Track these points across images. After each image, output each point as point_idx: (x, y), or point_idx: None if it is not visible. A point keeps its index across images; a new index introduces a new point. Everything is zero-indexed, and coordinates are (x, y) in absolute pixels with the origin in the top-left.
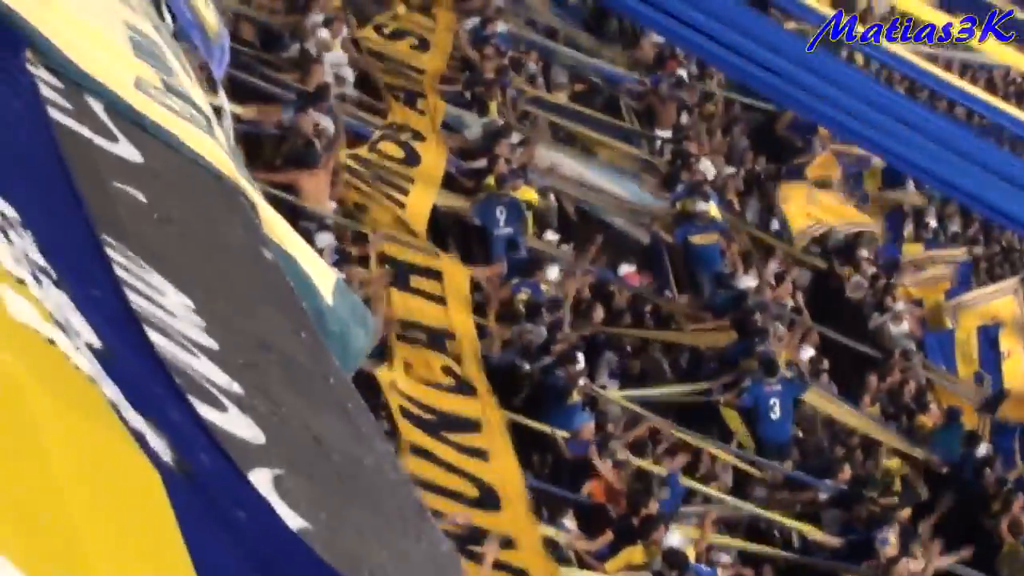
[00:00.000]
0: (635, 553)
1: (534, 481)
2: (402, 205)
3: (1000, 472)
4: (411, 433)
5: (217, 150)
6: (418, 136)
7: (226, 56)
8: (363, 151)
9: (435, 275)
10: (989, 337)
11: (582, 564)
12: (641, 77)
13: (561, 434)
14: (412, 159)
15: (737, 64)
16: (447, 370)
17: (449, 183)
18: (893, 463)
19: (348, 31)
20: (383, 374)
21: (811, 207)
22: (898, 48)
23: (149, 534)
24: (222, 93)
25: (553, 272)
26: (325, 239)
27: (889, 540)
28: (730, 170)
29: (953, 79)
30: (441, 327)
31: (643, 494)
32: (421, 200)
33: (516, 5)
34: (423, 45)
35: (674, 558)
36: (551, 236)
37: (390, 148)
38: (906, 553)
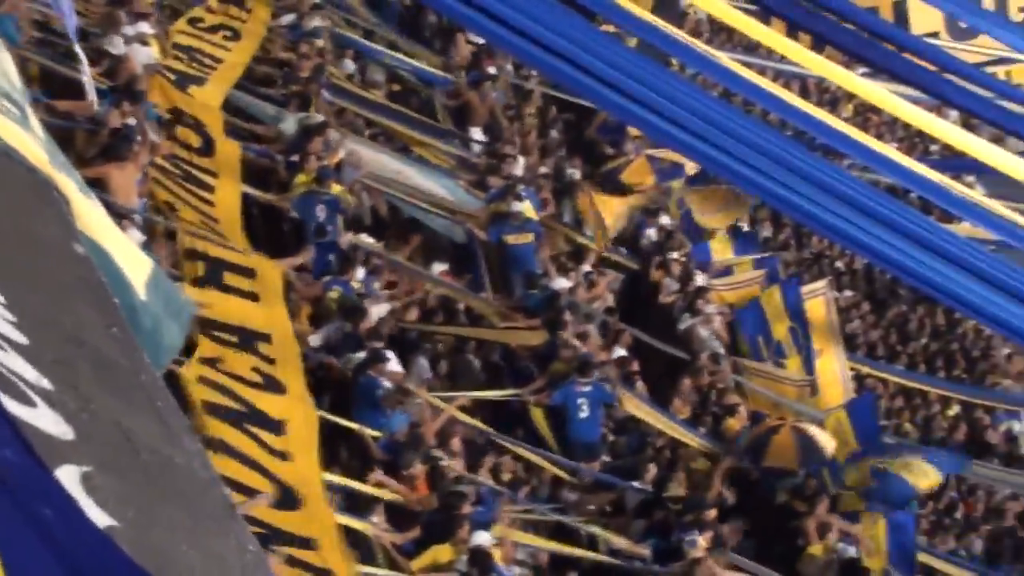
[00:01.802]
0: (442, 551)
1: (338, 480)
2: (211, 203)
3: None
4: (213, 427)
5: (30, 142)
6: (202, 124)
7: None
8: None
9: (248, 272)
10: (798, 330)
11: (390, 562)
12: (456, 77)
13: (371, 433)
14: (208, 148)
15: (553, 65)
16: (256, 370)
17: (262, 177)
18: (700, 465)
19: (162, 25)
20: (188, 370)
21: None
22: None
23: None
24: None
25: (362, 272)
26: (134, 236)
27: (696, 542)
28: (545, 170)
29: (767, 85)
30: (255, 328)
31: (455, 495)
32: (229, 196)
33: (332, 3)
34: (235, 36)
35: (479, 558)
36: (365, 236)
37: (182, 133)
38: (714, 555)
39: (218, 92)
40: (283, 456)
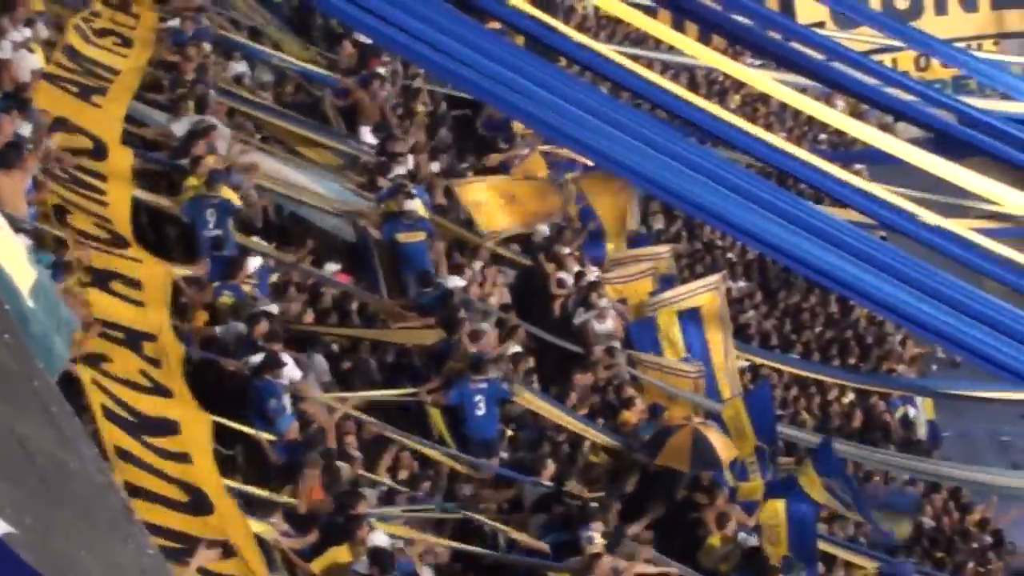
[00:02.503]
0: (341, 553)
1: (238, 484)
2: (104, 204)
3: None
4: (115, 435)
5: None
6: (96, 128)
7: None
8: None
9: (135, 284)
10: (689, 322)
11: (289, 567)
12: (344, 77)
13: (266, 436)
14: (100, 152)
15: (441, 63)
16: (143, 373)
17: (151, 181)
18: (599, 458)
19: (48, 32)
20: (83, 372)
21: (507, 205)
22: (602, 48)
23: None
24: None
25: (253, 266)
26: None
27: (594, 537)
28: (435, 168)
29: (655, 79)
30: (140, 329)
31: (352, 495)
32: (120, 199)
33: (219, 5)
34: (126, 43)
35: (379, 557)
36: (257, 239)
37: (72, 139)
38: (612, 550)
39: (122, 103)
40: (183, 458)
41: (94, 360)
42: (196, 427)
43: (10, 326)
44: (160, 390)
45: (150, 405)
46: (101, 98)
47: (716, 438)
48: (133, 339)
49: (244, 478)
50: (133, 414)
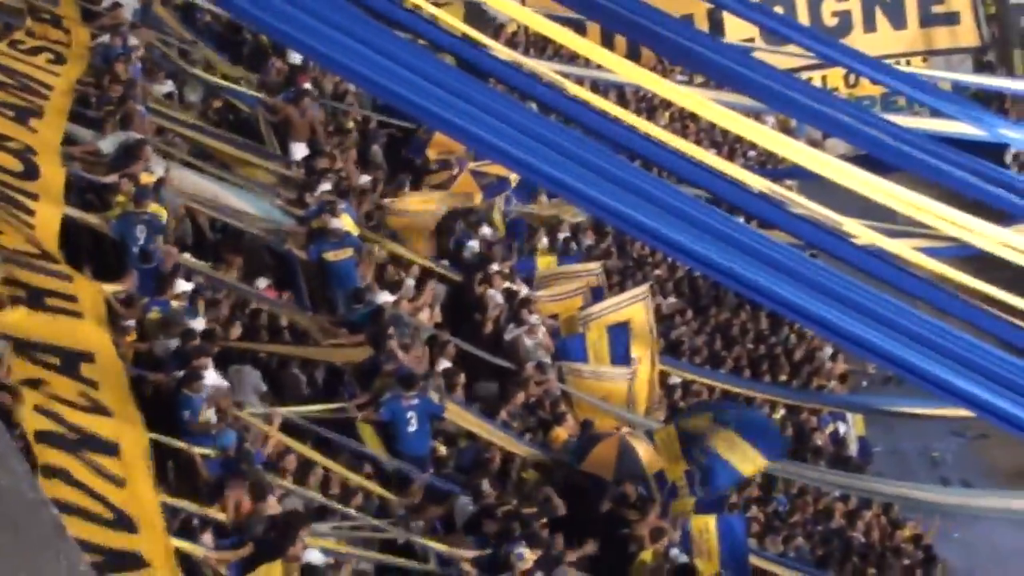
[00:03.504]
0: (273, 570)
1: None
2: (31, 226)
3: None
4: (45, 454)
5: None
6: (31, 151)
7: None
8: None
9: (71, 299)
10: (618, 335)
11: None
12: (272, 95)
13: (200, 451)
14: (31, 173)
15: (373, 80)
16: (82, 394)
17: (79, 198)
18: (530, 475)
19: None
20: (19, 398)
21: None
22: (533, 65)
23: None
24: None
25: (183, 286)
26: None
27: (524, 554)
28: (365, 183)
29: (584, 95)
30: (78, 349)
31: (291, 514)
32: (49, 218)
33: (148, 21)
34: (59, 60)
35: (311, 575)
36: (187, 255)
37: (4, 159)
38: (542, 567)
39: (57, 127)
40: (117, 482)
41: (31, 384)
42: (135, 447)
43: None
44: (99, 409)
45: (90, 422)
46: (37, 121)
47: (643, 449)
48: (70, 361)
49: (175, 493)
50: (73, 430)
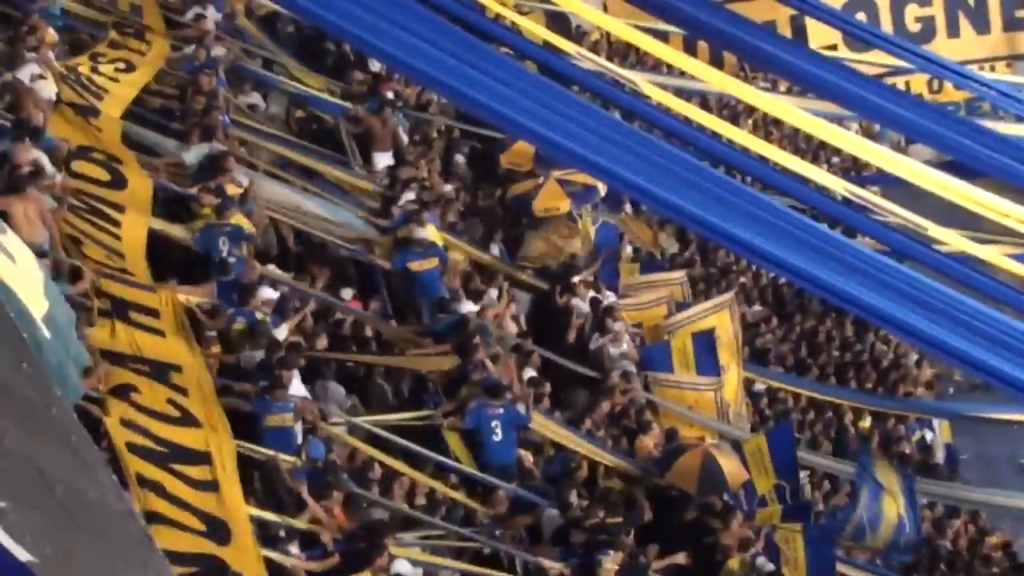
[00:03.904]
0: None
1: (259, 513)
2: (117, 237)
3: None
4: (137, 464)
5: None
6: (114, 159)
7: None
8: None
9: (153, 312)
10: (704, 343)
11: None
12: (355, 105)
13: (285, 459)
14: (119, 183)
15: (456, 89)
16: (172, 402)
17: (165, 210)
18: (615, 484)
19: (61, 60)
20: (107, 410)
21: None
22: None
23: None
24: None
25: (267, 294)
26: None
27: (607, 560)
28: (449, 193)
29: (668, 101)
30: (165, 361)
31: (378, 524)
32: (135, 231)
33: (232, 33)
34: (129, 68)
35: None
36: (272, 266)
37: (90, 169)
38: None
39: (114, 124)
40: (211, 487)
41: (122, 391)
42: (224, 456)
43: (28, 354)
44: (189, 420)
45: (179, 435)
46: (95, 119)
47: (727, 461)
48: (160, 370)
49: (260, 504)
50: (163, 444)
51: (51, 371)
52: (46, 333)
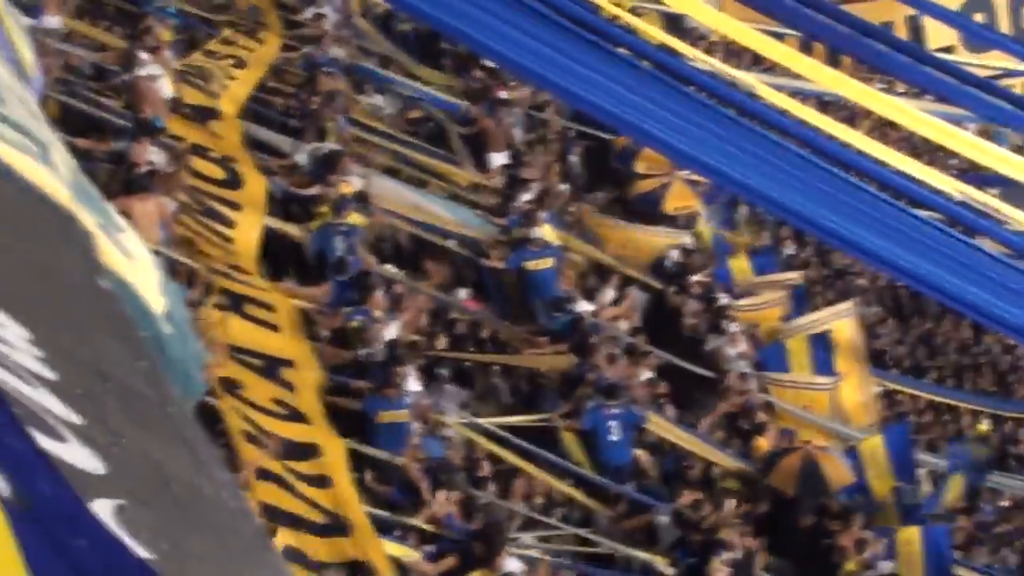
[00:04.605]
0: None
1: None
2: (230, 240)
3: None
4: (255, 456)
5: (50, 179)
6: (230, 159)
7: (38, 92)
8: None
9: (268, 306)
10: (820, 345)
11: None
12: (471, 104)
13: (401, 460)
14: (234, 181)
15: (570, 90)
16: (278, 401)
17: (281, 209)
18: (731, 485)
19: (177, 59)
20: (221, 400)
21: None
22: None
23: None
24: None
25: (381, 294)
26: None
27: (719, 562)
28: (564, 192)
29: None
30: (277, 355)
31: (498, 526)
32: (250, 229)
33: (348, 32)
34: (239, 65)
35: None
36: (388, 265)
37: (206, 167)
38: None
39: (234, 124)
40: (323, 482)
41: (228, 386)
42: (335, 451)
43: (145, 352)
44: (296, 416)
45: (288, 431)
46: (216, 124)
47: (830, 463)
48: (270, 366)
49: (373, 504)
50: (273, 439)
51: (172, 368)
52: (167, 329)
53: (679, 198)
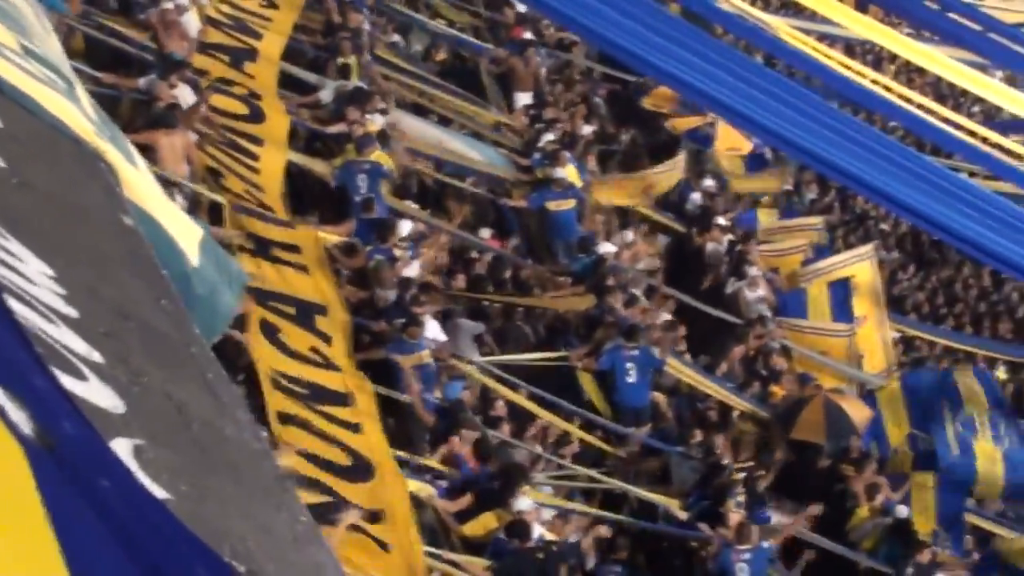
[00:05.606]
0: (490, 519)
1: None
2: (256, 171)
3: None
4: (280, 402)
5: (77, 115)
6: (254, 95)
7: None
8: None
9: (293, 248)
10: (840, 291)
11: (441, 524)
12: (498, 45)
13: (418, 399)
14: (257, 116)
15: (596, 30)
16: (314, 350)
17: (305, 144)
18: (748, 427)
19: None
20: (249, 345)
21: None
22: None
23: (10, 509)
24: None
25: (405, 230)
26: (180, 205)
27: (734, 507)
28: (589, 134)
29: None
30: (311, 300)
31: (516, 468)
32: (273, 165)
33: None
34: (271, 4)
35: (517, 528)
36: (410, 203)
37: (228, 103)
38: (753, 517)
39: (271, 70)
40: (355, 428)
41: (269, 330)
42: (366, 398)
43: (168, 291)
44: (331, 366)
45: (321, 376)
46: (252, 65)
47: (849, 404)
48: (305, 312)
49: (395, 443)
50: (304, 385)
51: (199, 303)
52: (195, 263)
53: (730, 139)
